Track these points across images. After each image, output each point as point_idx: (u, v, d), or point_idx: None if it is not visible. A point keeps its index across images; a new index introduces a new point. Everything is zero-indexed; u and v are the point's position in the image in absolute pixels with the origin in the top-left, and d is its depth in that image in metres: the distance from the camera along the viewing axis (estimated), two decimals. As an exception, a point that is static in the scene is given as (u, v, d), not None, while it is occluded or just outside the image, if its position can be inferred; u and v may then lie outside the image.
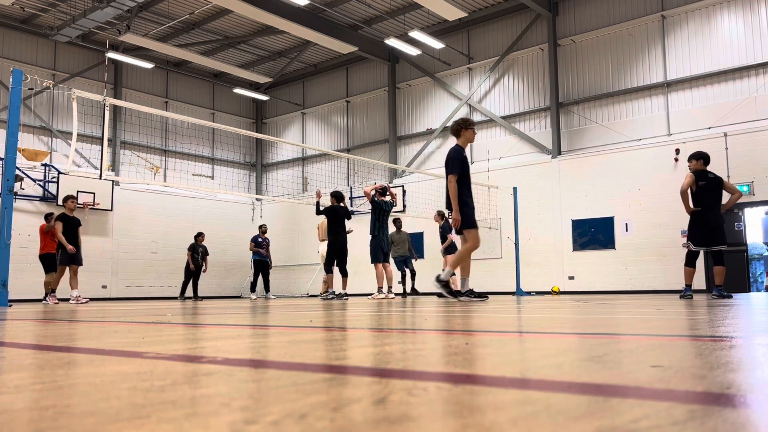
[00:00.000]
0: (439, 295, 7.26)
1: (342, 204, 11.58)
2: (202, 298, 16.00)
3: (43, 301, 11.67)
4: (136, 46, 18.95)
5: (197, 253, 15.03)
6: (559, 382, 1.08)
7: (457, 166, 7.07)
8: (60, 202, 17.17)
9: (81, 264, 11.27)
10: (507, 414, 0.80)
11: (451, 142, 18.59)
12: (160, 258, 19.32)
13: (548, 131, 16.62)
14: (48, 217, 12.46)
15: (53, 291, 10.98)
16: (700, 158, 8.03)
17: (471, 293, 7.19)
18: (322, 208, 11.33)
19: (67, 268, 11.08)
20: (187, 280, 15.04)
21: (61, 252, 11.09)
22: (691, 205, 7.96)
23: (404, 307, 5.99)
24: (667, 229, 14.12)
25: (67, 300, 12.31)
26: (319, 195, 11.48)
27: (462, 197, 7.10)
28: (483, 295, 7.62)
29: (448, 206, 7.28)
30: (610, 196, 15.19)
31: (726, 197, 7.98)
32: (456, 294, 7.27)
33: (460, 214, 7.07)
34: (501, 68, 17.77)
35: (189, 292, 15.27)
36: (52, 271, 11.95)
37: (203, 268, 15.16)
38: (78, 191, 17.53)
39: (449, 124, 18.51)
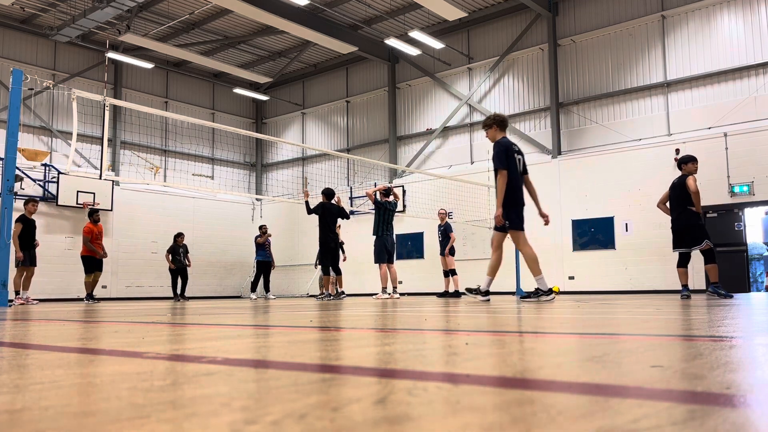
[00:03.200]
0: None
1: (334, 201, 11.27)
2: (189, 298, 16.00)
3: (85, 301, 12.25)
4: (136, 46, 18.95)
5: (178, 254, 15.01)
6: (559, 382, 1.08)
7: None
8: (60, 203, 17.22)
9: (36, 265, 11.49)
10: (507, 414, 0.80)
11: (451, 142, 18.60)
12: (160, 258, 19.27)
13: (548, 131, 16.62)
14: (91, 214, 12.71)
15: (17, 293, 11.10)
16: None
17: (477, 291, 7.19)
18: (312, 207, 11.04)
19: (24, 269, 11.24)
20: (175, 280, 15.08)
21: (22, 253, 11.20)
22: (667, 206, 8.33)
23: (404, 307, 5.99)
24: (667, 229, 13.93)
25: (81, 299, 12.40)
26: (306, 195, 11.21)
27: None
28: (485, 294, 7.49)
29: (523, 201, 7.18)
30: (610, 196, 15.19)
31: None
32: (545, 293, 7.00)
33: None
34: (501, 68, 17.77)
35: (179, 291, 15.31)
36: (95, 271, 12.56)
37: (187, 265, 15.15)
38: (78, 191, 17.54)
39: (449, 123, 18.53)
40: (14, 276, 11.19)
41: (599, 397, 0.94)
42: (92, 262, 12.54)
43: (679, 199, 7.97)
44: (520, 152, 7.19)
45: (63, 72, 18.88)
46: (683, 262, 8.08)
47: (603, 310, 4.62)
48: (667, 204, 8.33)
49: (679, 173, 8.30)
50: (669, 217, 8.40)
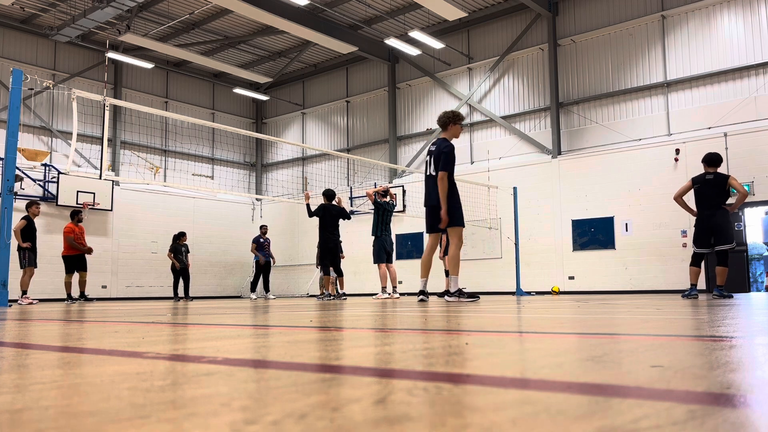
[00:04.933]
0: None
1: (335, 203, 11.32)
2: (193, 298, 16.02)
3: (66, 302, 12.17)
4: (136, 46, 18.95)
5: (181, 254, 15.03)
6: (559, 382, 1.08)
7: (452, 162, 6.96)
8: (60, 203, 17.22)
9: (36, 266, 11.64)
10: (507, 414, 0.80)
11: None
12: (160, 258, 19.30)
13: (548, 131, 16.62)
14: (74, 215, 12.69)
15: (24, 292, 11.14)
16: (703, 162, 8.14)
17: (461, 293, 7.13)
18: (313, 209, 11.06)
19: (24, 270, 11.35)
20: (177, 280, 15.09)
21: (27, 253, 11.24)
22: (693, 207, 8.13)
23: (404, 307, 5.99)
24: (667, 229, 14.11)
25: (75, 300, 12.41)
26: (307, 197, 11.22)
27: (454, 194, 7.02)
28: (474, 295, 7.45)
29: (428, 203, 7.09)
30: (610, 196, 15.19)
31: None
32: (465, 295, 7.12)
33: (451, 210, 6.97)
34: (501, 68, 17.77)
35: (180, 292, 15.30)
36: (74, 271, 12.50)
37: (188, 266, 15.19)
38: (78, 191, 17.54)
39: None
40: (22, 276, 11.25)
41: (599, 397, 0.94)
42: (73, 261, 12.52)
43: (715, 197, 7.86)
44: (429, 152, 7.31)
45: (63, 72, 18.88)
46: (698, 261, 8.04)
47: (603, 310, 4.61)
48: (684, 198, 8.17)
49: (695, 171, 8.23)
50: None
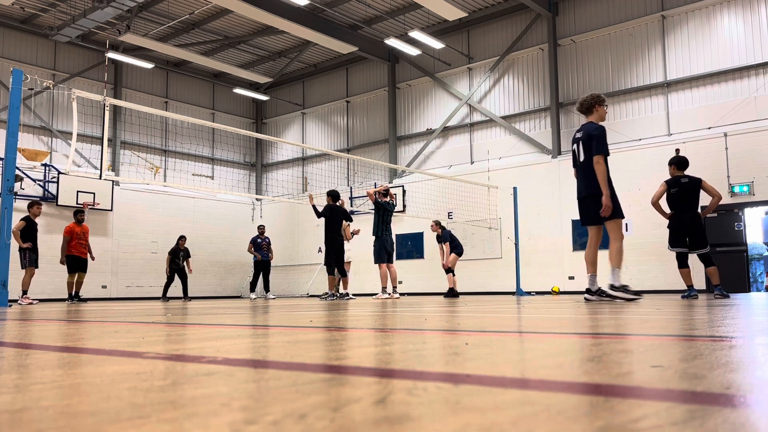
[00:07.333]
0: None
1: (339, 203, 11.39)
2: (192, 298, 16.07)
3: (67, 301, 12.10)
4: (136, 46, 18.95)
5: (178, 258, 15.07)
6: (559, 382, 1.08)
7: (606, 145, 6.34)
8: (60, 203, 17.22)
9: (37, 266, 11.61)
10: (507, 414, 0.80)
11: (451, 142, 18.60)
12: (160, 258, 19.26)
13: (548, 131, 16.62)
14: (77, 213, 12.69)
15: (24, 292, 11.14)
16: (672, 164, 8.13)
17: (602, 292, 6.34)
18: (320, 210, 11.13)
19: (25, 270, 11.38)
20: (170, 281, 15.14)
21: (28, 254, 11.24)
22: (667, 210, 8.12)
23: (404, 307, 5.99)
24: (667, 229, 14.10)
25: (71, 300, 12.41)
26: (312, 199, 11.30)
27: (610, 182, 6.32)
28: (636, 294, 6.36)
29: (583, 193, 6.46)
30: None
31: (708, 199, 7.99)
32: (634, 294, 6.25)
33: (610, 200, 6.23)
34: (501, 68, 17.76)
35: (174, 292, 15.36)
36: (77, 271, 12.49)
37: (187, 269, 15.25)
38: (78, 191, 17.53)
39: (449, 123, 18.53)
40: (23, 276, 11.25)
41: (599, 397, 0.94)
42: (75, 262, 12.51)
43: (692, 200, 7.86)
44: (575, 140, 6.70)
45: (63, 72, 18.87)
46: (685, 263, 8.04)
47: (603, 310, 4.61)
48: (661, 202, 8.18)
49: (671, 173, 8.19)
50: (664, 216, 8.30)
